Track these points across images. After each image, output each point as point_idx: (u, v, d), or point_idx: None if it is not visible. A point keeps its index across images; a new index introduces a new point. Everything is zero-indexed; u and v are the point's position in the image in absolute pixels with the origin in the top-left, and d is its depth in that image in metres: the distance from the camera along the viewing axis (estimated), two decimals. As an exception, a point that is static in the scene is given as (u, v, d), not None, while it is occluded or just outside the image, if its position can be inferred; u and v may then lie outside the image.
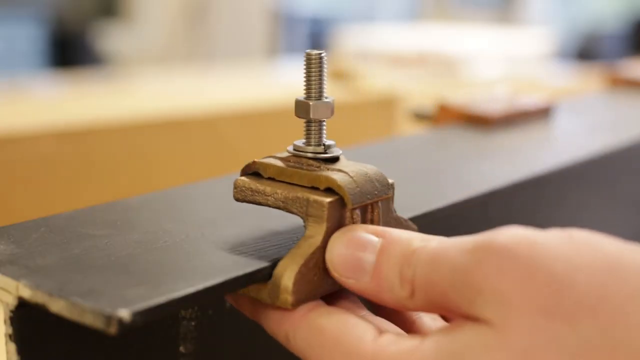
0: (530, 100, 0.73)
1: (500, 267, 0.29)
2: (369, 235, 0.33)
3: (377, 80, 1.44)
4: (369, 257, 0.33)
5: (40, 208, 0.94)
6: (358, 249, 0.33)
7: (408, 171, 0.53)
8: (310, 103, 0.36)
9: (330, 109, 0.36)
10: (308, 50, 0.36)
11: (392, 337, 0.31)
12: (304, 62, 0.36)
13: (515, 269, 0.29)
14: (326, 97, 0.36)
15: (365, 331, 0.32)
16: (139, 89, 1.46)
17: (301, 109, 0.36)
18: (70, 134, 0.97)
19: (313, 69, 0.36)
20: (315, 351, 0.32)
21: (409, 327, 0.35)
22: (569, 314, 0.28)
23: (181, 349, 0.38)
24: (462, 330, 0.30)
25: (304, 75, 0.36)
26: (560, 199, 0.59)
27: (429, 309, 0.32)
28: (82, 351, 0.34)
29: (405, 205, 0.41)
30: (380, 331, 0.32)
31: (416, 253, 0.32)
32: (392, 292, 0.32)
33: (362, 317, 0.33)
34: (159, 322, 0.37)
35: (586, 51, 4.45)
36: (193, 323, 0.38)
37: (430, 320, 0.36)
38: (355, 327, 0.32)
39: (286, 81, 1.59)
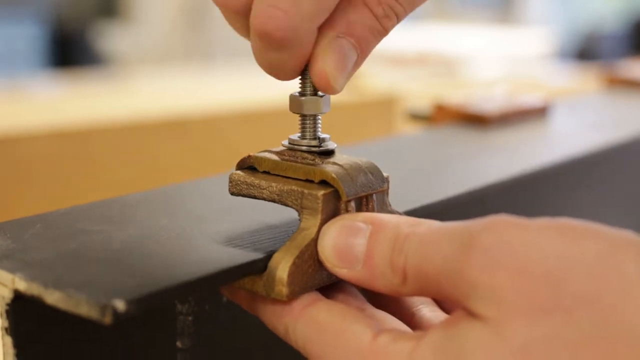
0: (527, 99, 0.73)
1: (493, 261, 0.29)
2: (358, 222, 0.33)
3: (377, 80, 1.44)
4: (360, 244, 0.33)
5: (41, 208, 0.94)
6: (349, 237, 0.33)
7: (405, 169, 0.53)
8: (303, 98, 0.36)
9: (324, 104, 0.36)
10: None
11: (391, 335, 0.31)
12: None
13: (508, 262, 0.29)
14: (320, 93, 0.36)
15: (364, 328, 0.32)
16: (139, 89, 1.46)
17: (295, 104, 0.37)
18: (70, 134, 0.97)
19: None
20: (314, 346, 0.32)
21: (408, 319, 0.35)
22: (565, 308, 0.28)
23: (178, 344, 0.38)
24: (459, 329, 0.30)
25: (300, 71, 0.36)
26: (557, 197, 0.59)
27: (423, 294, 0.32)
28: (79, 345, 0.34)
29: (401, 199, 0.42)
30: (380, 328, 0.32)
31: (407, 239, 0.32)
32: (385, 279, 0.32)
33: (362, 312, 0.33)
34: (156, 317, 0.37)
35: (586, 51, 4.44)
36: (190, 318, 0.38)
37: (429, 312, 0.36)
38: (355, 323, 0.32)
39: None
